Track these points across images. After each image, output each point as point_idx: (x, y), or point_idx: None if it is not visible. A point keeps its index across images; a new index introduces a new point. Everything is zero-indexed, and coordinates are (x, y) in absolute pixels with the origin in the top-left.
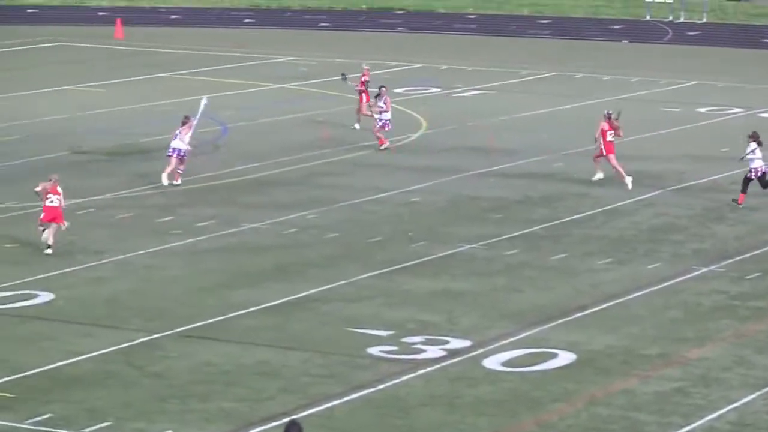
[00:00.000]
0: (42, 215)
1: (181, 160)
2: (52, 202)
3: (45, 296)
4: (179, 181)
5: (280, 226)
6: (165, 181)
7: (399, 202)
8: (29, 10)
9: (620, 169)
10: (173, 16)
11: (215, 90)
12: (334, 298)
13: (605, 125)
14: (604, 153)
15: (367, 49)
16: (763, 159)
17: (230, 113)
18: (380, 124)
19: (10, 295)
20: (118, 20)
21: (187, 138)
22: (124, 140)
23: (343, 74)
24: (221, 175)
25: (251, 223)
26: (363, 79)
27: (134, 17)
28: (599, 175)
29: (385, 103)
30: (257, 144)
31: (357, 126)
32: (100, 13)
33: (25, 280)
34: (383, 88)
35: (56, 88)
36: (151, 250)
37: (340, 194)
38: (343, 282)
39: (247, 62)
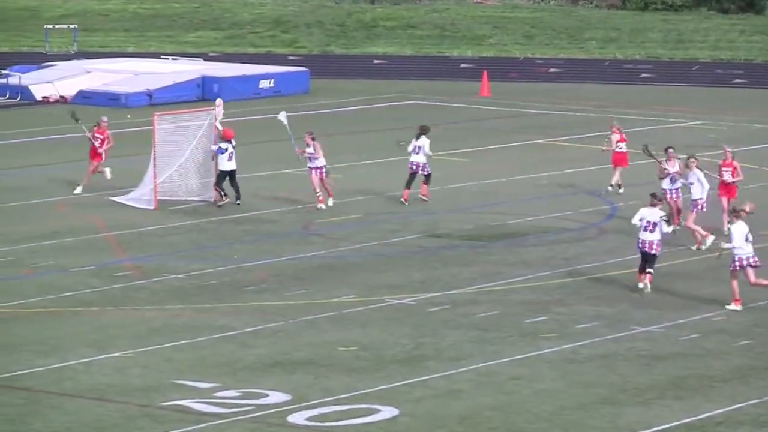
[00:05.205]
0: None
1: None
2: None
3: (388, 412)
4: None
5: (678, 330)
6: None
7: None
8: (377, 61)
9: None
10: (552, 70)
11: (597, 162)
12: (742, 421)
13: None
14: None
15: None
16: None
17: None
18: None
19: (346, 410)
20: (485, 74)
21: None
22: (489, 221)
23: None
24: (606, 266)
25: (643, 326)
26: None
27: (504, 70)
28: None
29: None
30: None
31: None
32: (463, 65)
33: (363, 391)
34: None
35: (404, 158)
36: (518, 357)
37: (756, 291)
38: (755, 401)
39: (644, 126)
